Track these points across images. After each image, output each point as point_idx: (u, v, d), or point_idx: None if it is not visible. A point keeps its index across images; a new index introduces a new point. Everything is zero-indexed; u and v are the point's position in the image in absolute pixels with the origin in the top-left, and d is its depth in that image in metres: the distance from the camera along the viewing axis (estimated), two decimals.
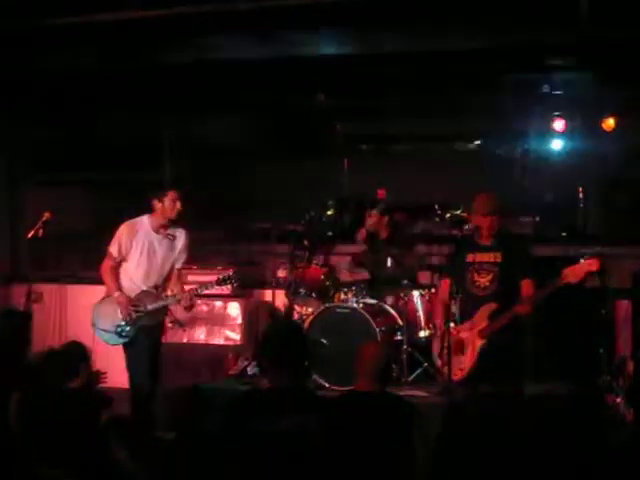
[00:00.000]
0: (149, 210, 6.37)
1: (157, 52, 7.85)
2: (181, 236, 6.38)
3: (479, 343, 5.49)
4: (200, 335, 8.05)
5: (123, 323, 6.20)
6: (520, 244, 5.84)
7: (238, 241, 9.57)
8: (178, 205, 6.24)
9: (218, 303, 8.07)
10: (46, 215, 7.31)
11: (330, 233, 8.88)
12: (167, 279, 6.40)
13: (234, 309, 8.06)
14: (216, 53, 7.77)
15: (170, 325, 7.25)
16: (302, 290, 7.71)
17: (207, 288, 6.44)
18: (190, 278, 7.37)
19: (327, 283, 7.71)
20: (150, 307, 6.24)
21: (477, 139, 11.85)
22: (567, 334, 7.08)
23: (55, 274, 8.78)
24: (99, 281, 6.65)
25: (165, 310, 6.44)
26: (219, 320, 8.07)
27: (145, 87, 9.02)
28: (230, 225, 10.35)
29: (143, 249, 6.30)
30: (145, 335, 6.26)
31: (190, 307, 6.40)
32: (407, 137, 11.79)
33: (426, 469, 4.49)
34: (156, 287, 6.29)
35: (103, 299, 6.42)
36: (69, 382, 4.93)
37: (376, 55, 7.63)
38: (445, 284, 5.84)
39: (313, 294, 7.70)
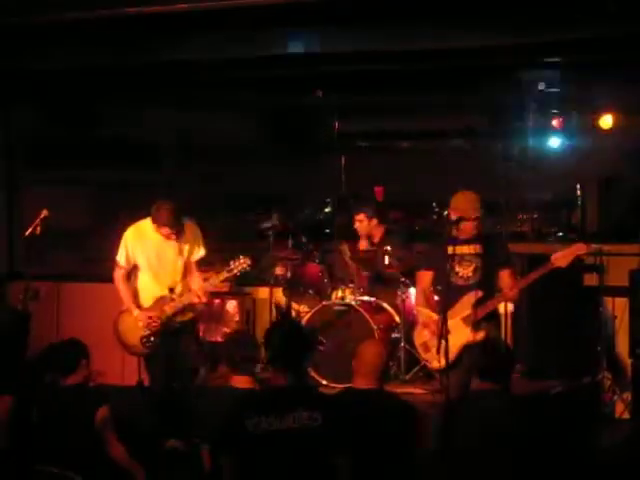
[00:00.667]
0: (148, 209, 6.17)
1: (158, 50, 7.83)
2: (187, 229, 6.21)
3: (464, 331, 5.51)
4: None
5: (147, 334, 6.14)
6: (497, 236, 5.90)
7: (237, 239, 9.55)
8: (167, 230, 6.07)
9: (216, 300, 8.05)
10: (44, 213, 7.30)
11: (327, 230, 8.88)
12: (186, 277, 6.25)
13: (232, 306, 8.05)
14: (215, 52, 7.76)
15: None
16: (300, 288, 7.72)
17: (218, 278, 6.20)
18: None
19: (325, 280, 7.72)
20: (169, 311, 6.15)
21: (475, 136, 11.86)
22: (565, 332, 7.08)
23: (52, 272, 8.76)
24: (96, 279, 6.60)
25: (188, 309, 6.24)
26: (217, 317, 8.06)
27: (145, 86, 9.00)
28: (229, 223, 10.35)
29: (151, 252, 6.19)
30: (167, 339, 6.14)
31: (205, 303, 6.27)
32: (405, 134, 11.79)
33: (424, 466, 4.50)
34: (172, 289, 6.14)
35: (122, 314, 6.29)
36: (67, 378, 4.95)
37: (374, 52, 7.63)
38: (426, 275, 5.89)
39: (311, 291, 7.71)
